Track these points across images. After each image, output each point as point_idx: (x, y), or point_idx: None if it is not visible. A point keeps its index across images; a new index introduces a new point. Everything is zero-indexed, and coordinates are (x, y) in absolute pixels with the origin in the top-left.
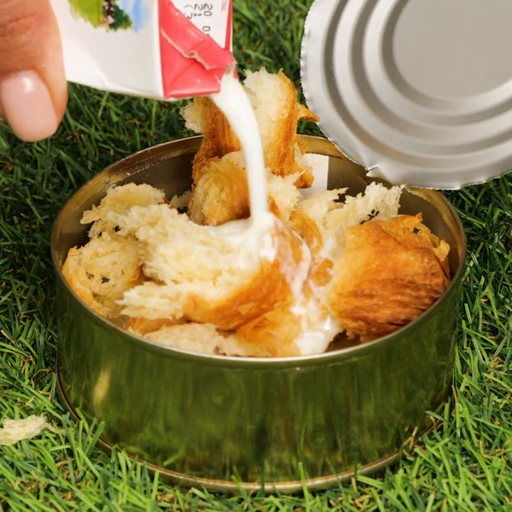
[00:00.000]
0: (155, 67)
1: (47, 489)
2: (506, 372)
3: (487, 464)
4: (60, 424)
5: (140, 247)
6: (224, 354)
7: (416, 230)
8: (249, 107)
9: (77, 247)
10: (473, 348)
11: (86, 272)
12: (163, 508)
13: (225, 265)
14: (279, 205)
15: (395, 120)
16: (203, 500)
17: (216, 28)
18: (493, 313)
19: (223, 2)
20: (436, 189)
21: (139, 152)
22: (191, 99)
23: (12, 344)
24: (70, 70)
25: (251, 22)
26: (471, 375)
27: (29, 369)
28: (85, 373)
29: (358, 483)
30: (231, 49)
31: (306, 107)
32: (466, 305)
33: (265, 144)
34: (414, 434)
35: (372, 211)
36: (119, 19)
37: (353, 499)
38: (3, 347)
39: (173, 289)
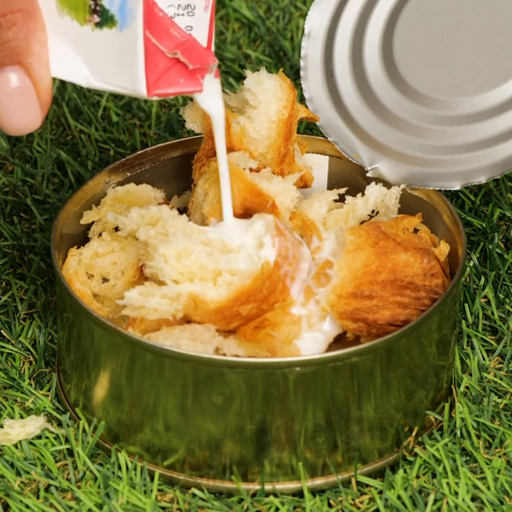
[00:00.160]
0: (139, 67)
1: (47, 489)
2: (506, 372)
3: (487, 463)
4: (60, 424)
5: (140, 247)
6: (224, 354)
7: (416, 230)
8: (223, 110)
9: (77, 247)
10: (473, 348)
11: (86, 272)
12: (163, 508)
13: (225, 266)
14: (279, 205)
15: (395, 120)
16: (203, 500)
17: (198, 28)
18: (493, 313)
19: (206, 3)
20: (436, 189)
21: (139, 152)
22: (191, 99)
23: (12, 344)
24: (55, 67)
25: (251, 22)
26: (471, 375)
27: (29, 369)
28: (85, 373)
29: (358, 483)
30: (213, 49)
31: (306, 107)
32: (466, 305)
33: (265, 144)
34: (414, 434)
35: (372, 211)
36: (104, 18)
37: (353, 499)
38: (3, 347)
39: (174, 289)
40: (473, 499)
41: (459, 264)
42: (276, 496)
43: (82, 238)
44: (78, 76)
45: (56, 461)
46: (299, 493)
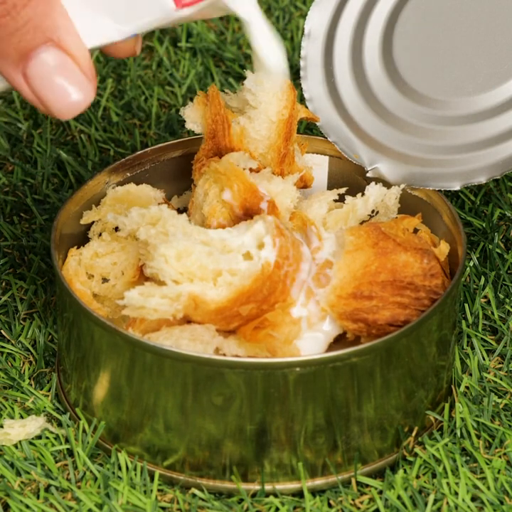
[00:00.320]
0: None
1: (47, 489)
2: (506, 372)
3: (487, 463)
4: (60, 424)
5: (140, 247)
6: (224, 354)
7: (416, 230)
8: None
9: (77, 248)
10: (473, 348)
11: (86, 272)
12: (163, 508)
13: (225, 266)
14: (279, 205)
15: (395, 120)
16: (203, 500)
17: None
18: (493, 313)
19: None
20: (436, 189)
21: (139, 152)
22: (191, 99)
23: (12, 344)
24: (86, 36)
25: None
26: (471, 375)
27: (29, 369)
28: (85, 373)
29: (358, 483)
30: None
31: (306, 107)
32: (466, 305)
33: (265, 145)
34: (414, 434)
35: (372, 211)
36: None
37: (353, 499)
38: (3, 347)
39: (174, 290)
40: (473, 499)
41: (459, 264)
42: (276, 496)
43: (82, 238)
44: (110, 34)
45: (56, 461)
46: (299, 494)
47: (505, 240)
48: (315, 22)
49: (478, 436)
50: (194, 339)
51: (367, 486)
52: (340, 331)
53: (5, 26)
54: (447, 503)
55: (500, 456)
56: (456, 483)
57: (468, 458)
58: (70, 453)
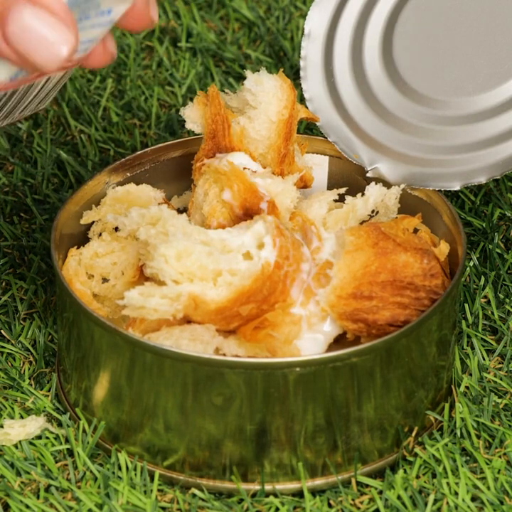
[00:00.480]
0: None
1: (47, 489)
2: (506, 372)
3: (487, 463)
4: (60, 425)
5: (140, 247)
6: (224, 354)
7: (416, 230)
8: None
9: (77, 248)
10: (473, 348)
11: (86, 272)
12: (163, 508)
13: (225, 266)
14: (279, 205)
15: (395, 120)
16: (203, 500)
17: None
18: (493, 313)
19: None
20: (436, 189)
21: (139, 152)
22: (191, 99)
23: (12, 344)
24: None
25: (251, 22)
26: (471, 375)
27: (29, 369)
28: (85, 373)
29: (358, 483)
30: None
31: (306, 107)
32: (466, 305)
33: (265, 145)
34: (414, 434)
35: (372, 211)
36: None
37: (353, 499)
38: (3, 347)
39: (174, 290)
40: (473, 499)
41: (459, 264)
42: (276, 496)
43: (82, 238)
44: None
45: (56, 461)
46: (299, 494)
47: (505, 240)
48: (315, 22)
49: (478, 436)
50: (194, 339)
51: (367, 486)
52: (340, 331)
53: None
54: (447, 503)
55: (500, 456)
56: (456, 483)
57: (468, 458)
58: (70, 453)
